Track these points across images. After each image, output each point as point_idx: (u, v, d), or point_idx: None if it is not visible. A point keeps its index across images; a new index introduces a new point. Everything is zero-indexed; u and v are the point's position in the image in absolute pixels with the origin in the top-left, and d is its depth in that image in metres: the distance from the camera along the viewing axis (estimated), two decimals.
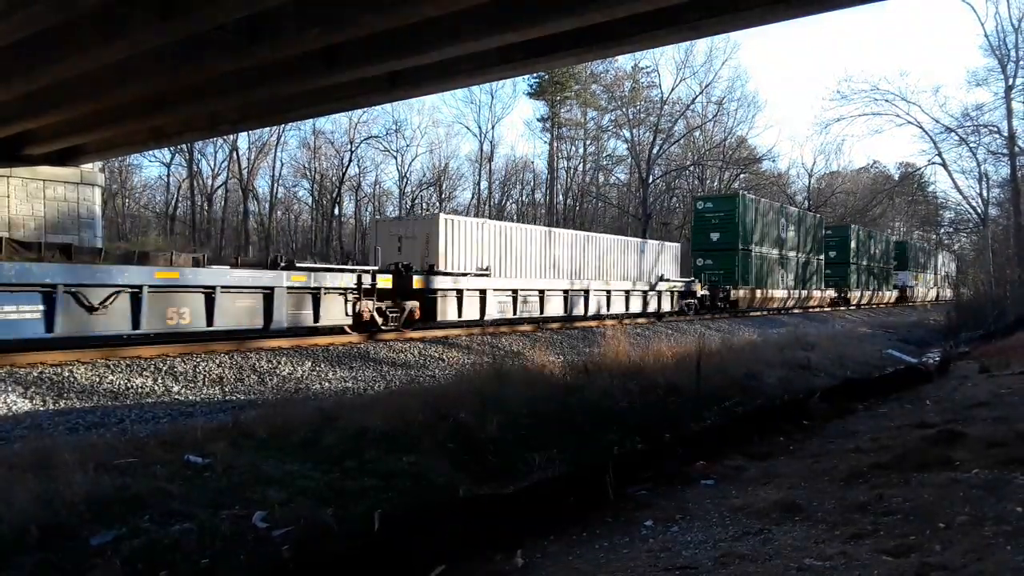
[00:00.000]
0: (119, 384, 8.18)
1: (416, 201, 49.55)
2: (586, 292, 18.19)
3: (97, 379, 8.19)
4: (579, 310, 18.01)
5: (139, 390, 8.14)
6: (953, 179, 55.27)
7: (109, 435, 6.21)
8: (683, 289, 22.24)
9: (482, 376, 9.04)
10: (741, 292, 25.04)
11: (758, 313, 26.13)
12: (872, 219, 51.56)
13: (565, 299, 17.41)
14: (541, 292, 16.73)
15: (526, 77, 43.06)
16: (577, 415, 7.61)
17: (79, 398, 7.58)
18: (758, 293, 26.40)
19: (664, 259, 23.73)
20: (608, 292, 19.04)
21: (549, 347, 13.63)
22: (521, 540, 4.62)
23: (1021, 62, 31.31)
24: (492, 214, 47.16)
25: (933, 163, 38.30)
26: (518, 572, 4.25)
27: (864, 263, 38.57)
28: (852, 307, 35.19)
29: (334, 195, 48.58)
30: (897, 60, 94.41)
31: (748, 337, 18.77)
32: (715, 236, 26.47)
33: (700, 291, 22.83)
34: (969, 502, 4.68)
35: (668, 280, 21.94)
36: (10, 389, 7.42)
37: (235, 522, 4.40)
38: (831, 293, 33.58)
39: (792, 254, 30.33)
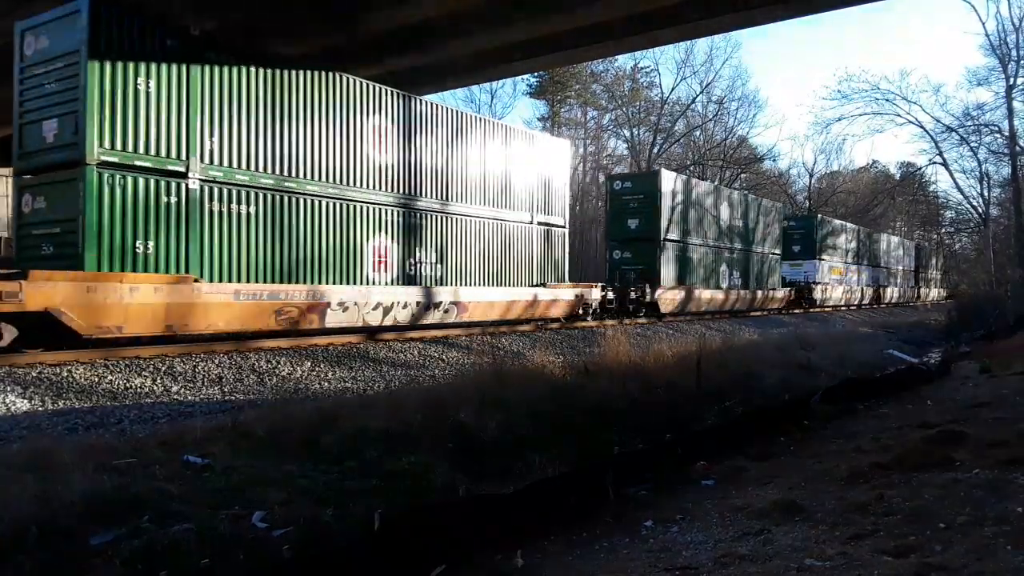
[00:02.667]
0: (118, 384, 8.18)
1: None
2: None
3: (96, 379, 8.18)
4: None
5: (138, 390, 8.13)
6: (954, 179, 55.24)
7: (108, 435, 6.21)
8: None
9: (482, 376, 9.03)
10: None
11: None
12: (873, 219, 51.56)
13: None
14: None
15: (526, 77, 43.09)
16: (577, 415, 7.60)
17: (78, 398, 7.57)
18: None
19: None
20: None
21: (549, 347, 13.62)
22: (521, 540, 4.61)
23: (1022, 61, 31.29)
24: None
25: (934, 163, 38.32)
26: (518, 572, 4.25)
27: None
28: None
29: None
30: (898, 60, 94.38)
31: (749, 337, 18.77)
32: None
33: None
34: (970, 502, 4.67)
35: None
36: (9, 389, 7.42)
37: (234, 522, 4.40)
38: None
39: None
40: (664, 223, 21.22)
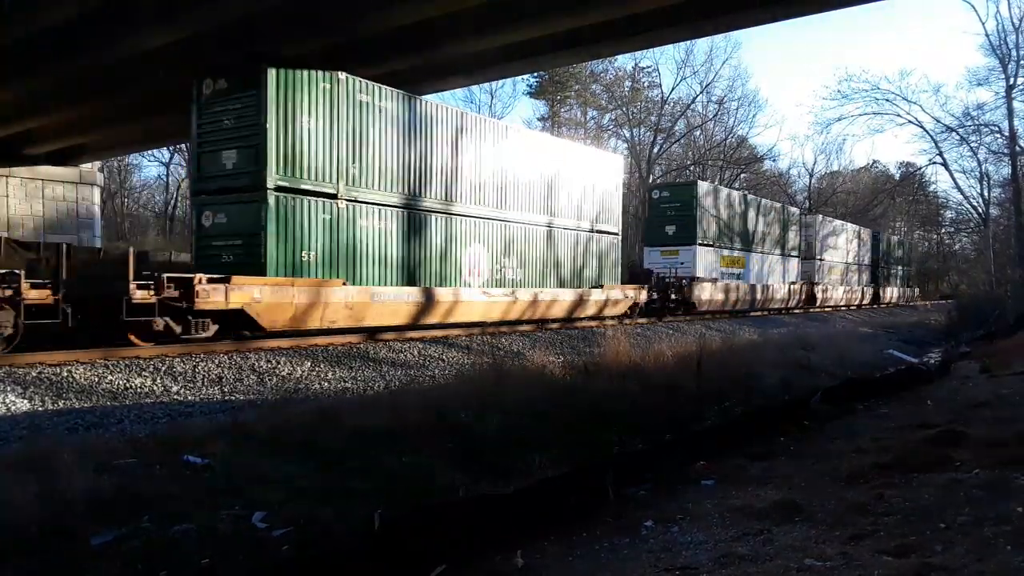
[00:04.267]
0: (118, 384, 8.18)
1: None
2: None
3: (96, 379, 8.18)
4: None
5: (138, 390, 8.13)
6: (954, 179, 55.36)
7: (108, 435, 6.22)
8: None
9: (482, 376, 9.04)
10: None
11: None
12: (873, 219, 51.55)
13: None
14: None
15: (526, 77, 43.08)
16: (577, 415, 7.61)
17: (78, 398, 7.57)
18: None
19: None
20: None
21: (549, 347, 13.63)
22: (521, 540, 4.61)
23: (1022, 61, 31.31)
24: None
25: (934, 163, 38.42)
26: (518, 572, 4.25)
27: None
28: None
29: None
30: (898, 60, 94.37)
31: (749, 337, 18.77)
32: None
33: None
34: (970, 502, 4.67)
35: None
36: (9, 389, 7.42)
37: (235, 522, 4.40)
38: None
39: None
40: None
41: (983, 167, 37.34)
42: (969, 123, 35.06)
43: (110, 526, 4.10)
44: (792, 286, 29.14)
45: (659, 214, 24.45)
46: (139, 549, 3.91)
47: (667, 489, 5.88)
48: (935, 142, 36.33)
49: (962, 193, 39.90)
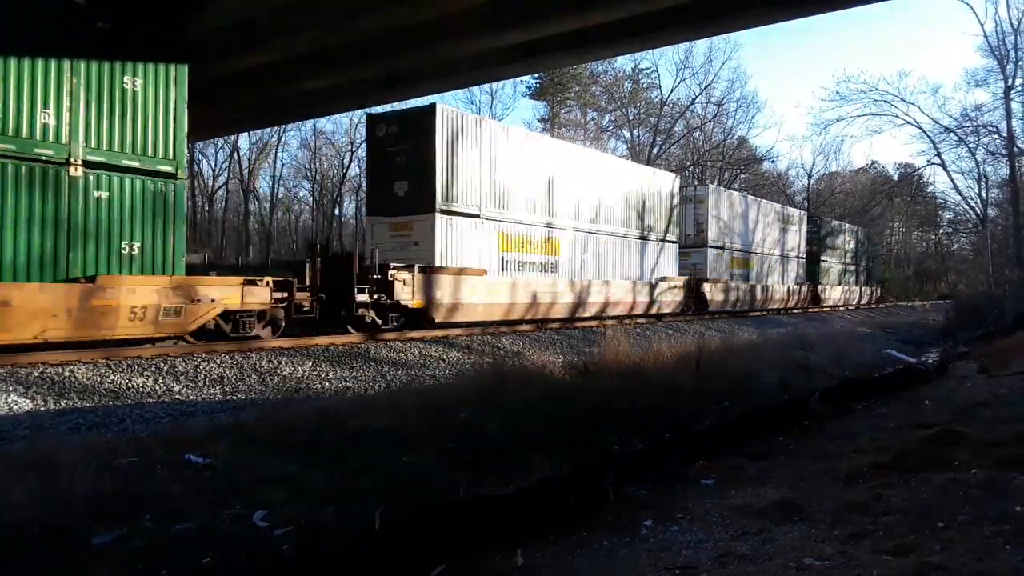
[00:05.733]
0: (120, 384, 8.19)
1: None
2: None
3: (98, 379, 8.19)
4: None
5: (140, 390, 8.14)
6: (952, 180, 55.34)
7: (110, 435, 6.23)
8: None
9: (482, 376, 9.05)
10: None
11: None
12: (871, 219, 51.57)
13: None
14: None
15: (526, 78, 43.11)
16: (577, 415, 7.62)
17: (80, 398, 7.58)
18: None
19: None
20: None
21: (549, 347, 13.64)
22: (521, 540, 4.62)
23: (1020, 63, 31.34)
24: None
25: (932, 163, 38.34)
26: (518, 572, 4.26)
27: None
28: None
29: (335, 195, 48.61)
30: (896, 61, 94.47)
31: (748, 337, 18.78)
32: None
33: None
34: (968, 502, 4.69)
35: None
36: (11, 389, 7.43)
37: (236, 522, 4.41)
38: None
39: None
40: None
41: (981, 168, 37.34)
42: (967, 124, 35.05)
43: (111, 526, 4.11)
44: (661, 286, 21.21)
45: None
46: (140, 549, 3.91)
47: (667, 489, 5.89)
48: (933, 143, 36.32)
49: (960, 194, 39.89)
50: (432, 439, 6.24)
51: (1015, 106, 31.62)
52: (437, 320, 13.70)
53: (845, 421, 8.63)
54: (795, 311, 29.22)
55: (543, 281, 16.66)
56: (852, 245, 39.57)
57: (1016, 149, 31.75)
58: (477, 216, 14.98)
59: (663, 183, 22.31)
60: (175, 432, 6.05)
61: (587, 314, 18.29)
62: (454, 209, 14.42)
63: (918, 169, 47.53)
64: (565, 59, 18.96)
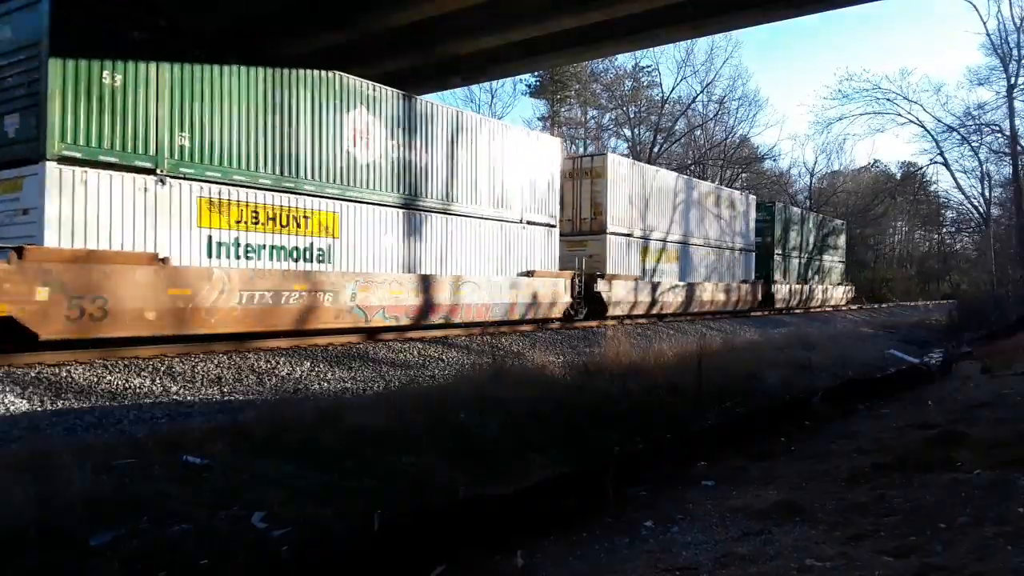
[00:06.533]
0: (117, 384, 8.17)
1: None
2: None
3: (95, 379, 8.17)
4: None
5: (137, 390, 8.12)
6: (955, 178, 55.24)
7: (107, 436, 6.21)
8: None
9: (482, 376, 9.03)
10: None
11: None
12: (874, 218, 51.47)
13: None
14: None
15: (526, 76, 43.09)
16: (577, 415, 7.60)
17: (77, 398, 7.56)
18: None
19: None
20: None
21: (549, 347, 13.62)
22: (521, 540, 4.60)
23: (1023, 61, 31.29)
24: None
25: (935, 162, 38.40)
26: (518, 572, 4.24)
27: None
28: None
29: None
30: (899, 59, 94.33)
31: (749, 337, 18.75)
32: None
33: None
34: (971, 503, 4.66)
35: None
36: (7, 389, 7.41)
37: (234, 522, 4.39)
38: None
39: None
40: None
41: (984, 167, 37.35)
42: (970, 123, 35.07)
43: (109, 526, 4.09)
44: (527, 283, 15.91)
45: None
46: (138, 550, 3.89)
47: (667, 489, 5.87)
48: (936, 142, 36.35)
49: (963, 193, 39.90)
50: (431, 439, 6.22)
51: (1018, 104, 31.61)
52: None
53: (847, 421, 8.61)
54: (732, 314, 24.68)
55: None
56: (818, 237, 33.48)
57: (1019, 148, 31.71)
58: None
59: (545, 150, 17.17)
60: (172, 433, 6.03)
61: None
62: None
63: (921, 168, 47.55)
64: (566, 58, 18.94)
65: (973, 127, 34.86)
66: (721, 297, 24.16)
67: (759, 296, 26.72)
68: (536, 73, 41.14)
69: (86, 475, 4.53)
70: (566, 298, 17.01)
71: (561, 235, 17.69)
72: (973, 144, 35.52)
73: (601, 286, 17.96)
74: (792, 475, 6.02)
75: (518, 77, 41.29)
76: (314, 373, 9.82)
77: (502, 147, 15.74)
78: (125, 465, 5.01)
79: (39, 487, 4.27)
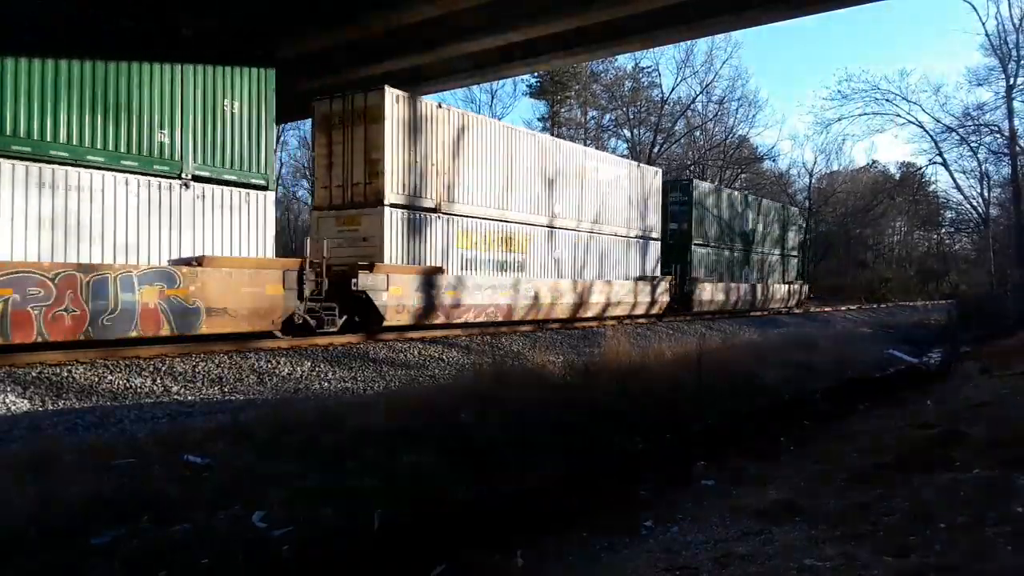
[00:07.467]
0: (118, 384, 8.17)
1: None
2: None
3: (96, 379, 8.18)
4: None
5: (138, 390, 8.13)
6: (954, 179, 55.21)
7: (108, 435, 6.21)
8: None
9: (482, 376, 9.03)
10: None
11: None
12: (874, 219, 51.46)
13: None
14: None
15: (526, 77, 43.07)
16: (577, 415, 7.59)
17: (78, 398, 7.57)
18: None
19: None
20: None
21: (549, 347, 13.62)
22: (521, 540, 4.61)
23: (1022, 61, 31.31)
24: None
25: (934, 163, 38.38)
26: (518, 572, 4.24)
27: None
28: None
29: None
30: (898, 59, 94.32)
31: (749, 337, 18.75)
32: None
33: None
34: (970, 503, 4.66)
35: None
36: (9, 389, 7.41)
37: (234, 522, 4.40)
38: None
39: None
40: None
41: (983, 167, 37.34)
42: (969, 123, 35.06)
43: (109, 526, 4.09)
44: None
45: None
46: (139, 549, 3.90)
47: (667, 489, 5.87)
48: (935, 142, 36.34)
49: (962, 193, 39.88)
50: (431, 439, 6.22)
51: (1017, 105, 31.63)
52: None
53: (847, 421, 8.61)
54: (636, 319, 19.63)
55: None
56: (759, 225, 27.84)
57: (1018, 148, 31.73)
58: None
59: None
60: (173, 432, 6.04)
61: None
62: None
63: (920, 168, 47.55)
64: (566, 58, 18.91)
65: (972, 127, 34.88)
66: (599, 299, 18.07)
67: (668, 297, 20.93)
68: (536, 74, 41.13)
69: (87, 475, 4.54)
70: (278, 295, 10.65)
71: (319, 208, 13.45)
72: (972, 144, 35.55)
73: (364, 281, 11.72)
74: (792, 475, 6.02)
75: (518, 77, 41.33)
76: (315, 373, 9.83)
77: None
78: (126, 465, 5.02)
79: (40, 486, 4.27)
